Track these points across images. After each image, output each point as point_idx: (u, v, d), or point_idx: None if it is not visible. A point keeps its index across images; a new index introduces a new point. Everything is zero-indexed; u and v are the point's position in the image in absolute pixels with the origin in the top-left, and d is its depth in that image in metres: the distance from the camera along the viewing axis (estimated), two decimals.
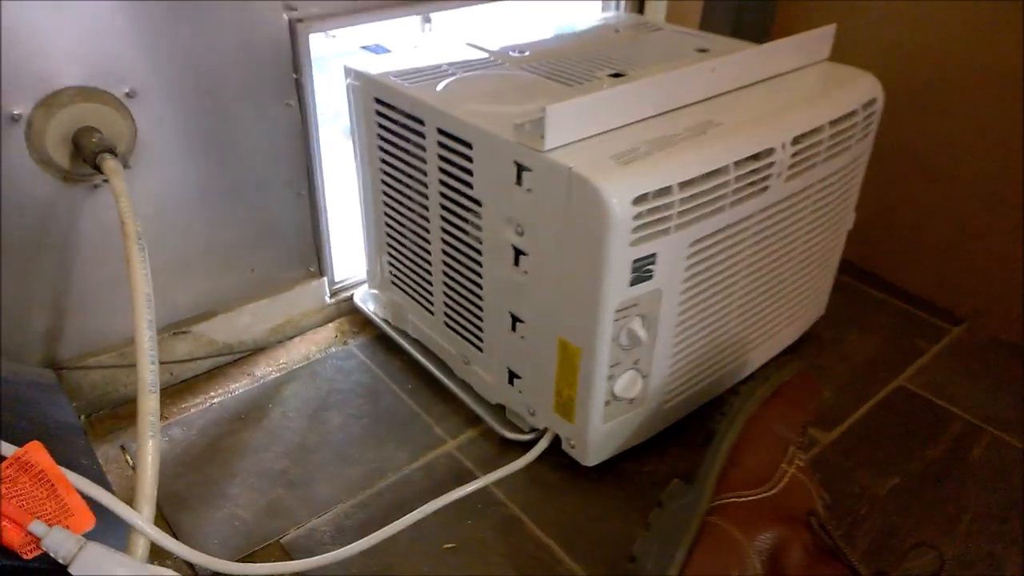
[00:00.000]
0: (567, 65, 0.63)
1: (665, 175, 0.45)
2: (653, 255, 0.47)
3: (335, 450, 0.60)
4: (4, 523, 0.34)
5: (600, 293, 0.46)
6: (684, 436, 0.61)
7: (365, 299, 0.76)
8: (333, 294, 0.76)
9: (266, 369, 0.69)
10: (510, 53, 0.66)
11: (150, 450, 0.39)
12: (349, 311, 0.77)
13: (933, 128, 0.75)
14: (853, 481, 0.58)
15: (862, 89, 0.59)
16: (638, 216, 0.44)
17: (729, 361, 0.61)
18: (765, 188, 0.52)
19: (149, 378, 0.40)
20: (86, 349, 0.59)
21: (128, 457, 0.58)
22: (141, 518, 0.38)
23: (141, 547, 0.38)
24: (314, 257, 0.73)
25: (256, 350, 0.71)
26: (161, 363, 0.64)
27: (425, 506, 0.52)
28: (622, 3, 0.85)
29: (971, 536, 0.53)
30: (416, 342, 0.70)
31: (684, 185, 0.46)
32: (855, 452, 0.61)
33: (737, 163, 0.49)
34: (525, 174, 0.48)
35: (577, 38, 0.71)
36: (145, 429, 0.39)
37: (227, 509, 0.54)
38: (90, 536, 0.36)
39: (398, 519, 0.50)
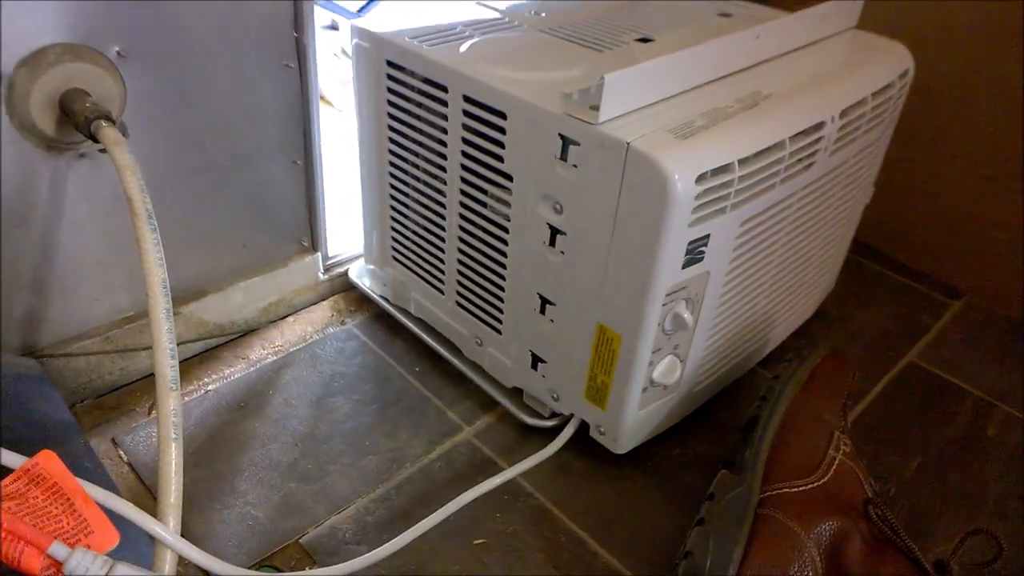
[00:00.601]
0: (588, 28, 0.59)
1: (725, 151, 0.43)
2: (707, 236, 0.44)
3: (346, 439, 0.56)
4: (20, 546, 0.29)
5: (652, 277, 0.44)
6: (706, 418, 0.60)
7: (361, 275, 0.71)
8: (327, 270, 0.71)
9: (262, 352, 0.64)
10: (524, 14, 0.61)
11: (173, 455, 0.35)
12: (343, 288, 0.72)
13: (931, 101, 0.74)
14: (877, 463, 0.58)
15: (897, 59, 0.58)
16: (700, 196, 0.41)
17: (756, 340, 0.60)
18: (811, 164, 0.50)
19: (169, 373, 0.36)
20: (69, 334, 0.53)
21: (122, 452, 0.53)
22: (169, 532, 0.34)
23: (169, 562, 0.34)
24: (307, 231, 0.68)
25: (248, 331, 0.66)
26: (146, 348, 0.59)
27: (452, 502, 0.49)
28: None
29: (999, 517, 0.54)
30: (419, 321, 0.66)
31: (743, 162, 0.43)
32: (875, 433, 0.61)
33: (792, 138, 0.46)
34: (572, 148, 0.44)
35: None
36: (168, 431, 0.35)
37: (238, 507, 0.50)
38: (110, 554, 0.32)
39: (423, 515, 0.47)
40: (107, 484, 0.37)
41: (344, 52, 1.05)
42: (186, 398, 0.58)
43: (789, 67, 0.53)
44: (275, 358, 0.64)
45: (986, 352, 0.70)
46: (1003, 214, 0.73)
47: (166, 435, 0.35)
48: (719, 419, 0.60)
